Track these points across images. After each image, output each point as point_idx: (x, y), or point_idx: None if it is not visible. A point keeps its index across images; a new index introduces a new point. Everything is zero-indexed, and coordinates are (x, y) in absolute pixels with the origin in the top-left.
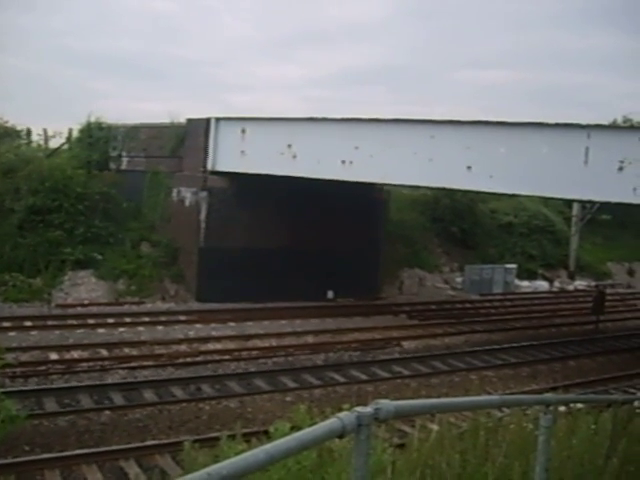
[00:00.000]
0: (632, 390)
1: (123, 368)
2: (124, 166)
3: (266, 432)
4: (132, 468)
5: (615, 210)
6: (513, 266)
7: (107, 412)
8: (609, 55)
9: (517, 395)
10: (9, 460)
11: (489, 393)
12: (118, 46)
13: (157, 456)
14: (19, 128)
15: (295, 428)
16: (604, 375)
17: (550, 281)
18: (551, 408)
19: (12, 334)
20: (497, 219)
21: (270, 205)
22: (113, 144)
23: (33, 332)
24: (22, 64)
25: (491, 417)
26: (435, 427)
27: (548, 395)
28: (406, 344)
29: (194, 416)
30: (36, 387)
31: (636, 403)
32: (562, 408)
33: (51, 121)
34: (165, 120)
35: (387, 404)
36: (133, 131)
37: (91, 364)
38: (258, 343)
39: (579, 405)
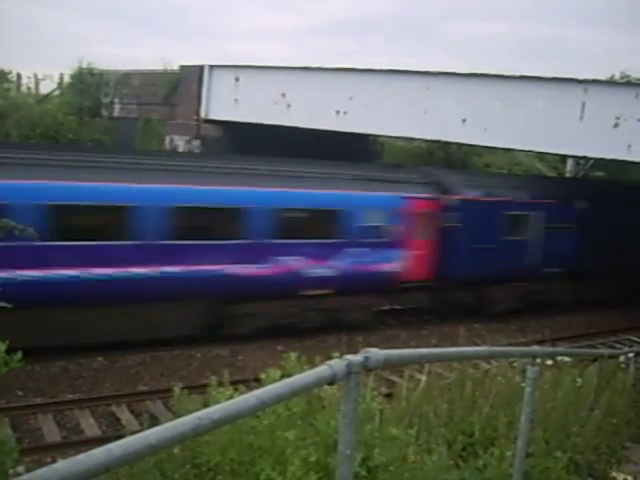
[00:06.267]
0: (618, 345)
1: None
2: (116, 113)
3: (257, 380)
4: (124, 413)
5: (609, 166)
6: None
7: (99, 359)
8: (607, 10)
9: (505, 347)
10: (3, 405)
11: (477, 345)
12: None
13: (148, 402)
14: (8, 71)
15: (285, 376)
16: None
17: None
18: (538, 360)
19: None
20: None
21: (263, 155)
22: (105, 90)
23: None
24: (8, 6)
25: (479, 369)
26: (423, 377)
27: (535, 347)
28: None
29: (185, 364)
30: None
31: (621, 358)
32: (549, 361)
33: (40, 66)
34: (158, 67)
35: (377, 353)
36: (125, 77)
37: None
38: None
39: (566, 358)
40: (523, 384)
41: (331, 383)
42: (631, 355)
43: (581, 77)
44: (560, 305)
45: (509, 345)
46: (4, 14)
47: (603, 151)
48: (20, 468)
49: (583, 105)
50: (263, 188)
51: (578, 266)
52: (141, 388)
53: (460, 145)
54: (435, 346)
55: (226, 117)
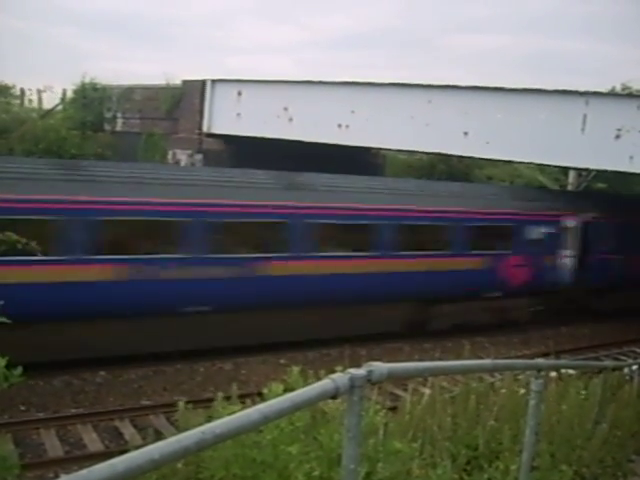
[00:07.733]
0: (623, 357)
1: None
2: (119, 127)
3: (260, 394)
4: (127, 428)
5: (611, 178)
6: None
7: (102, 373)
8: (608, 22)
9: (509, 360)
10: (5, 420)
11: (481, 358)
12: (112, 6)
13: (151, 416)
14: (11, 85)
15: (288, 390)
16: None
17: None
18: (542, 373)
19: None
20: None
21: (266, 168)
22: (108, 105)
23: None
24: (11, 21)
25: (483, 382)
26: (427, 391)
27: (539, 360)
28: None
29: (188, 378)
30: None
31: (626, 370)
32: (553, 374)
33: (42, 81)
34: (160, 82)
35: (380, 366)
36: (128, 92)
37: None
38: None
39: (570, 371)
40: (528, 397)
41: (334, 397)
42: (635, 367)
43: (582, 89)
44: None
45: (513, 358)
46: (2, 28)
47: (605, 163)
48: None
49: (585, 117)
50: None
51: None
52: (144, 402)
53: (462, 158)
54: (438, 359)
55: (228, 131)
